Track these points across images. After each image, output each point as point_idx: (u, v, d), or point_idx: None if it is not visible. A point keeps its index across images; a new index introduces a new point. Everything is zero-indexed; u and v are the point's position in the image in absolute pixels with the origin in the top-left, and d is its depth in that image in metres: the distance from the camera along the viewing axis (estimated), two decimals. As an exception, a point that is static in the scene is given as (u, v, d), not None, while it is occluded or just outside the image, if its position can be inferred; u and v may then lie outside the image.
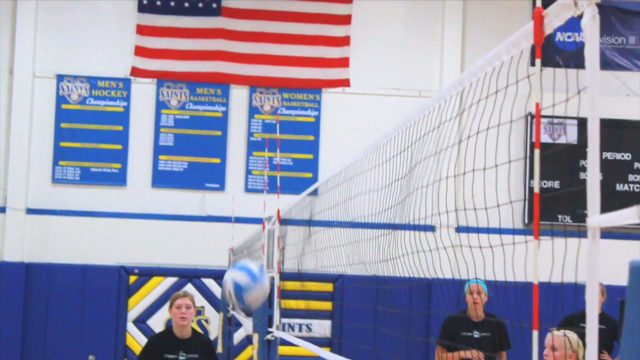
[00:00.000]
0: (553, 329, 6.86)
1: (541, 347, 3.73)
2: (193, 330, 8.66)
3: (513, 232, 4.14)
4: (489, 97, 4.68)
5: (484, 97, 4.77)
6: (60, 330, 18.19)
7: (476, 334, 9.36)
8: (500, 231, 5.12)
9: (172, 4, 18.99)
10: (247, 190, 18.98)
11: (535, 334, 3.53)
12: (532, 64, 3.59)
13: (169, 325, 8.61)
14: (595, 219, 2.84)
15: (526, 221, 18.24)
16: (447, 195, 5.78)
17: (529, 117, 17.81)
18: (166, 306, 18.27)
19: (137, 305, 18.50)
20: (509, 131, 5.03)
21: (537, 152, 3.56)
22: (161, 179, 18.92)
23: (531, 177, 17.49)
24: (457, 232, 17.63)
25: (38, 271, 18.27)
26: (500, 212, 4.81)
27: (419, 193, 6.17)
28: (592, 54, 2.93)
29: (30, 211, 18.56)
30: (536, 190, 3.54)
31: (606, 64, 18.46)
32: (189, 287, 18.35)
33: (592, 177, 2.90)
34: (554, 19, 3.40)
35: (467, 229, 16.72)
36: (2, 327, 17.96)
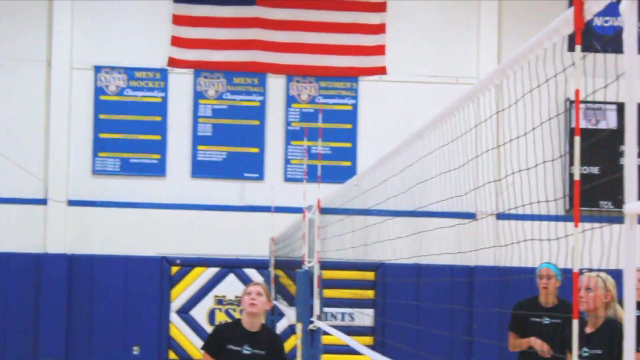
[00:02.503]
0: (585, 271, 6.95)
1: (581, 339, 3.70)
2: (263, 325, 8.00)
3: (556, 219, 4.12)
4: (529, 85, 4.65)
5: (525, 85, 4.74)
6: (105, 322, 18.31)
7: (546, 320, 9.19)
8: (540, 218, 5.11)
9: (208, -6, 19.05)
10: (287, 179, 19.00)
11: (575, 322, 3.51)
12: (569, 49, 3.57)
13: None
14: (633, 205, 2.81)
15: (567, 207, 18.05)
16: (488, 182, 5.76)
17: (568, 103, 17.66)
18: (209, 296, 18.54)
19: (179, 295, 18.59)
20: (549, 118, 5.00)
21: (577, 139, 3.55)
22: (200, 169, 18.98)
23: (571, 163, 17.36)
24: (498, 219, 17.56)
25: (81, 263, 18.39)
26: (541, 200, 4.78)
27: (460, 180, 6.15)
28: (630, 39, 2.92)
29: (71, 203, 18.68)
30: (576, 177, 3.52)
31: (646, 47, 18.24)
32: (231, 277, 18.47)
33: (630, 162, 2.88)
34: (593, 4, 3.40)
35: (508, 216, 16.75)
36: (47, 319, 18.10)
